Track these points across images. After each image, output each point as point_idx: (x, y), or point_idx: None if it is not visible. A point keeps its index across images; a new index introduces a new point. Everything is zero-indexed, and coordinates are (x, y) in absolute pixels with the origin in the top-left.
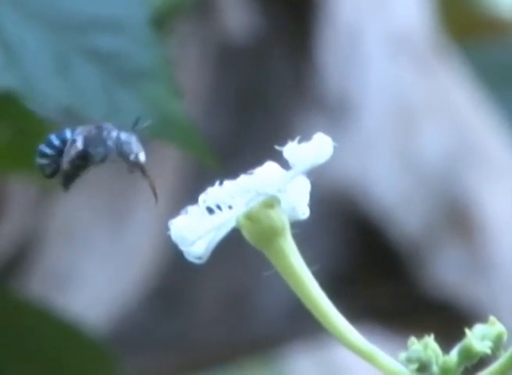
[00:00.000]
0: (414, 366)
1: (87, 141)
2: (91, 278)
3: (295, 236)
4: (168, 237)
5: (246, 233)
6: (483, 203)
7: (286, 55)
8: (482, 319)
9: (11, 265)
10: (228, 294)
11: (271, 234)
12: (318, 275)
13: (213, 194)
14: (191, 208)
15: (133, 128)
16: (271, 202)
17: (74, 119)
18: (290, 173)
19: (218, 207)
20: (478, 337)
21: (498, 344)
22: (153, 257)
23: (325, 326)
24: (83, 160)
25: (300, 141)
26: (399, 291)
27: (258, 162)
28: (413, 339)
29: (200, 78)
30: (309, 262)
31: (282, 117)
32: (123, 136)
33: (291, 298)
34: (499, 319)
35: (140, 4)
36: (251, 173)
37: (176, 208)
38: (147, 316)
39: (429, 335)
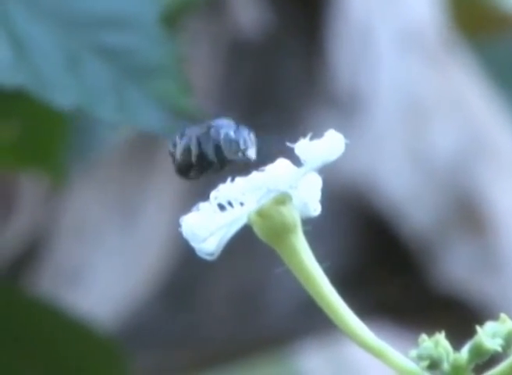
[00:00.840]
0: (425, 363)
1: (199, 139)
2: (101, 275)
3: (306, 233)
4: (180, 234)
5: (257, 230)
6: (494, 199)
7: (297, 52)
8: (493, 316)
9: (21, 262)
10: (239, 290)
11: (282, 231)
12: (328, 272)
13: (224, 190)
14: (203, 205)
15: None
16: (282, 199)
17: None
18: (302, 169)
19: (230, 204)
20: (488, 335)
21: (509, 342)
22: (164, 253)
23: (335, 323)
24: (198, 159)
25: (311, 138)
26: (409, 288)
27: (270, 158)
28: (424, 336)
29: (211, 75)
30: (320, 259)
31: (293, 113)
32: (233, 132)
33: (302, 294)
34: (510, 317)
35: (150, 1)
36: (263, 170)
37: (188, 205)
38: (158, 313)
39: (440, 332)
